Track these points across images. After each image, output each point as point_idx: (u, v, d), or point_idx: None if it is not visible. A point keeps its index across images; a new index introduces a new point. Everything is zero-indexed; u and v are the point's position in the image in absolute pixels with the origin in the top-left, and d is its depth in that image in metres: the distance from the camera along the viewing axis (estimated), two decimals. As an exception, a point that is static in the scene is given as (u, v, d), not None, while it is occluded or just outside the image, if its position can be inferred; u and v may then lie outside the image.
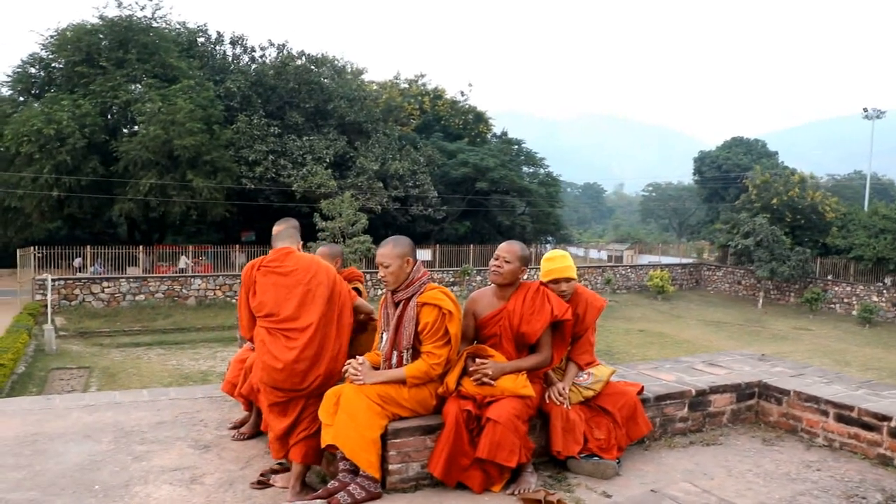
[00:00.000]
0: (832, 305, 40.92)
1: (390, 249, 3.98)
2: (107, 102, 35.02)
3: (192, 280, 33.48)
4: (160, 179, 33.51)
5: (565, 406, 4.13)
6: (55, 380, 20.10)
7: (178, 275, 33.75)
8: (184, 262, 35.88)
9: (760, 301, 42.32)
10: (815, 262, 42.46)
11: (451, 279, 38.80)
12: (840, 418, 4.61)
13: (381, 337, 4.12)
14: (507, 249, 4.19)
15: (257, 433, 4.86)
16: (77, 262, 33.49)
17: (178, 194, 34.11)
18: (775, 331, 34.87)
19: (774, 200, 44.27)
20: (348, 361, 3.95)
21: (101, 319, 29.88)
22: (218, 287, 33.81)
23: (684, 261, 52.14)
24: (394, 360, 3.97)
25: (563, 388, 4.23)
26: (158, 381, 20.23)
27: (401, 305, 4.01)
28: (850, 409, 4.56)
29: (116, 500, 3.81)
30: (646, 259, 52.83)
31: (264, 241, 37.86)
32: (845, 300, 40.62)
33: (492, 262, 4.23)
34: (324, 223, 33.29)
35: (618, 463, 4.14)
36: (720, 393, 5.01)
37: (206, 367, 22.66)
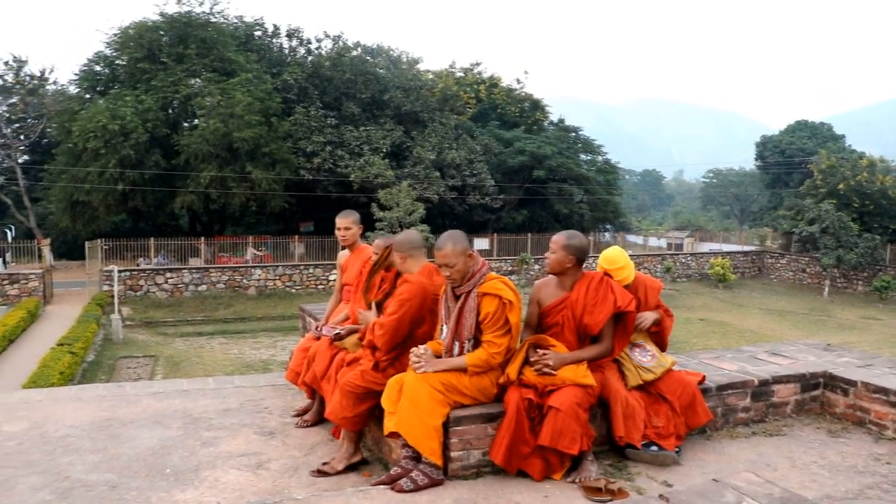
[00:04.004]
0: (903, 294, 39.76)
1: (451, 248, 3.98)
2: (168, 97, 35.62)
3: (253, 270, 33.95)
4: (220, 172, 33.96)
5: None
6: (122, 368, 20.61)
7: (238, 265, 34.24)
8: (251, 252, 36.44)
9: (826, 289, 41.31)
10: (885, 248, 41.19)
11: (509, 268, 38.73)
12: (911, 410, 4.52)
13: (442, 329, 4.16)
14: (553, 240, 4.28)
15: (320, 420, 4.96)
16: (140, 261, 34.19)
17: (238, 186, 34.54)
18: (842, 320, 34.05)
19: (841, 185, 43.07)
20: (411, 350, 4.02)
21: (165, 309, 30.50)
22: (278, 277, 34.22)
23: (746, 248, 51.11)
24: (455, 351, 4.01)
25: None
26: (221, 369, 20.60)
27: (462, 297, 4.04)
28: (922, 399, 4.46)
29: (187, 484, 3.94)
30: (706, 247, 51.95)
31: (323, 231, 38.22)
32: (917, 288, 39.42)
33: (547, 253, 4.30)
34: (381, 213, 33.48)
35: (678, 452, 4.14)
36: (784, 383, 4.94)
37: (267, 356, 22.99)
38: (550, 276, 4.44)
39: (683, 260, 45.86)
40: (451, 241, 4.02)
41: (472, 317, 3.98)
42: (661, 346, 4.59)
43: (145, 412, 5.27)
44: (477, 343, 4.00)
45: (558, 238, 4.25)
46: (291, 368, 5.22)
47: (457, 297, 4.07)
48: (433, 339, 4.27)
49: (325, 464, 4.18)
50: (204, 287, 32.77)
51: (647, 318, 4.48)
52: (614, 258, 4.56)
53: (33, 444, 4.59)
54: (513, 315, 3.95)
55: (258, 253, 36.63)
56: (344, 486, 3.91)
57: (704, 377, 4.68)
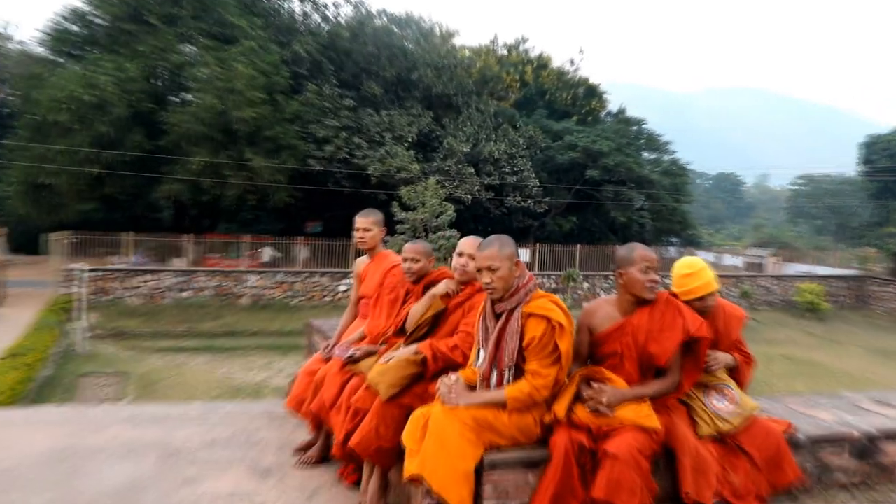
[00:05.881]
0: None
1: (497, 251, 3.98)
2: (155, 66, 35.80)
3: (247, 276, 33.95)
4: (214, 157, 34.00)
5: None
6: (85, 387, 20.68)
7: (231, 269, 34.30)
8: (268, 254, 36.55)
9: (945, 327, 40.80)
10: None
11: (553, 285, 38.55)
12: None
13: (479, 353, 4.14)
14: (652, 257, 4.22)
15: (325, 458, 4.95)
16: (113, 259, 34.38)
17: (235, 175, 34.64)
18: (968, 365, 33.53)
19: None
20: (440, 378, 3.99)
21: (140, 318, 30.62)
22: (277, 285, 34.24)
23: (844, 272, 50.54)
24: (493, 381, 3.99)
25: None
26: (204, 392, 20.64)
27: (503, 317, 4.02)
28: None
29: (163, 530, 3.93)
30: (793, 268, 51.57)
31: (332, 232, 38.32)
32: None
33: (642, 275, 4.17)
34: (403, 214, 33.40)
35: (758, 516, 4.07)
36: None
37: (260, 379, 23.02)
38: (605, 297, 4.42)
39: (765, 283, 45.43)
40: (498, 242, 4.03)
41: (514, 341, 3.95)
42: None
43: (113, 442, 5.28)
44: (518, 372, 3.97)
45: (650, 255, 4.22)
46: (294, 395, 5.21)
47: (497, 317, 4.05)
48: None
49: None
50: (188, 293, 32.92)
51: (720, 359, 4.42)
52: (692, 262, 4.54)
53: (-26, 475, 4.59)
54: (563, 341, 3.92)
55: (277, 254, 36.78)
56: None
57: (792, 426, 4.62)
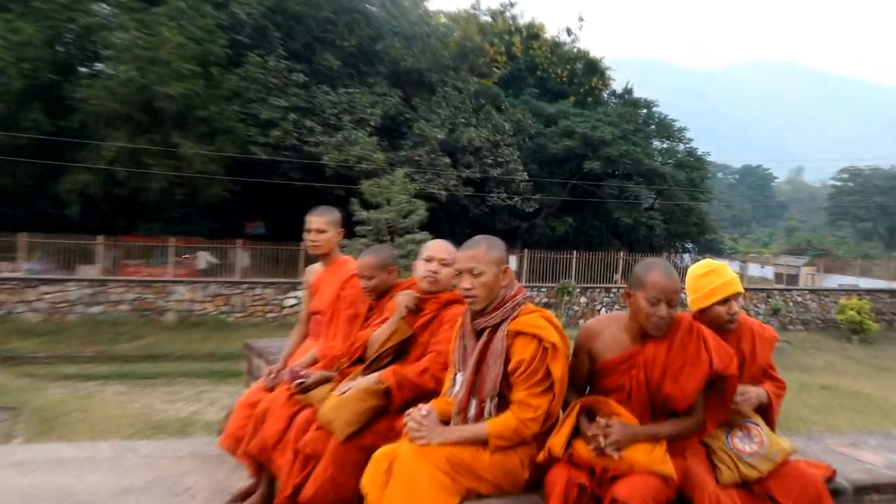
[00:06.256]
0: None
1: (484, 251, 3.98)
2: (59, 28, 35.34)
3: (174, 288, 33.56)
4: (133, 142, 33.77)
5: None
6: (-33, 424, 20.55)
7: (152, 279, 33.93)
8: (205, 260, 36.13)
9: None
10: None
11: (545, 299, 38.56)
12: None
13: (455, 378, 4.13)
14: (672, 284, 4.07)
15: (267, 509, 4.92)
16: (8, 266, 33.89)
17: (158, 164, 34.35)
18: None
19: None
20: (408, 411, 3.97)
21: (38, 339, 30.26)
22: (209, 298, 33.95)
23: (896, 285, 50.93)
24: (471, 412, 3.98)
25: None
26: (116, 430, 20.42)
27: (485, 334, 4.01)
28: None
29: None
30: (834, 280, 51.77)
31: (279, 234, 38.17)
32: None
33: (648, 306, 4.05)
34: (365, 213, 33.33)
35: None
36: (962, 489, 4.81)
37: (187, 413, 22.87)
38: (611, 314, 4.40)
39: (799, 298, 45.59)
40: (485, 242, 4.05)
41: (498, 365, 3.94)
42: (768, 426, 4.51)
43: (1, 492, 5.21)
44: (503, 402, 3.96)
45: (666, 284, 4.01)
46: (230, 431, 5.18)
47: (477, 334, 4.04)
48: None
49: None
50: (99, 308, 32.59)
51: (751, 395, 4.38)
52: (708, 262, 4.57)
53: None
54: (556, 366, 3.92)
55: (215, 261, 36.49)
56: None
57: (834, 472, 4.60)
